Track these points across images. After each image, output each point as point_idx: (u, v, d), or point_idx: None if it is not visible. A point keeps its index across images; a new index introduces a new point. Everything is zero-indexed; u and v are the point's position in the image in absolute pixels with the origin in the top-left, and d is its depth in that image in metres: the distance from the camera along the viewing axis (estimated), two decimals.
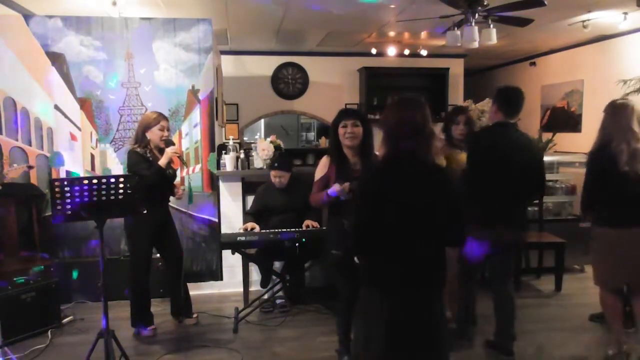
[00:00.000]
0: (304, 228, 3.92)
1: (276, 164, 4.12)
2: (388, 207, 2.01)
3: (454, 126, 3.61)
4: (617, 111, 3.07)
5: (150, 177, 3.46)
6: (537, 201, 4.98)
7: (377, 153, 2.96)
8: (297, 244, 3.73)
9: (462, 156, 3.37)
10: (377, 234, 2.04)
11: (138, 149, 3.58)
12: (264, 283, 4.25)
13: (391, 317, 2.04)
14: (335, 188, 2.84)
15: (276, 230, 3.88)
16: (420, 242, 2.03)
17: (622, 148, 2.96)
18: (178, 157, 3.67)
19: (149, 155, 3.59)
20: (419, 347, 2.07)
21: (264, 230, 3.96)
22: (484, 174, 3.08)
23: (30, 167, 4.27)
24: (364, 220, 2.07)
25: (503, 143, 3.10)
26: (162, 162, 3.53)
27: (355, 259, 2.34)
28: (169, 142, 3.62)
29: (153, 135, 3.59)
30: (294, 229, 3.85)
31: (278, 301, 4.22)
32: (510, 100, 3.16)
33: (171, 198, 3.87)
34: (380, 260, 2.07)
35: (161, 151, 3.62)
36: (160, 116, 3.63)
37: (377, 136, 2.42)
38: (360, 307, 2.22)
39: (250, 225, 4.05)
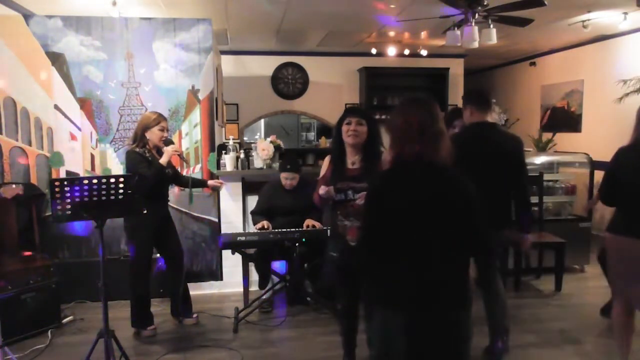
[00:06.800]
0: (304, 228, 3.92)
1: (288, 166, 4.09)
2: (395, 214, 1.90)
3: (450, 129, 3.45)
4: None
5: (151, 176, 3.47)
6: (535, 200, 4.86)
7: (384, 154, 2.85)
8: (297, 244, 3.73)
9: None
10: (385, 243, 1.92)
11: (137, 149, 3.58)
12: (261, 285, 4.25)
13: (405, 339, 1.88)
14: (322, 190, 2.81)
15: (276, 230, 3.88)
16: (433, 252, 1.87)
17: None
18: (178, 155, 3.68)
19: (148, 155, 3.59)
20: None
21: (264, 230, 3.96)
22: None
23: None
24: (371, 227, 1.98)
25: (483, 142, 3.10)
26: (163, 160, 3.54)
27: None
28: (168, 142, 3.62)
29: (153, 135, 3.59)
30: (294, 229, 3.84)
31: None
32: (481, 96, 3.19)
33: (171, 197, 3.87)
34: (390, 274, 1.93)
35: (159, 151, 3.63)
36: (160, 117, 3.63)
37: (384, 137, 2.38)
38: (372, 326, 2.08)
39: (265, 223, 4.04)
